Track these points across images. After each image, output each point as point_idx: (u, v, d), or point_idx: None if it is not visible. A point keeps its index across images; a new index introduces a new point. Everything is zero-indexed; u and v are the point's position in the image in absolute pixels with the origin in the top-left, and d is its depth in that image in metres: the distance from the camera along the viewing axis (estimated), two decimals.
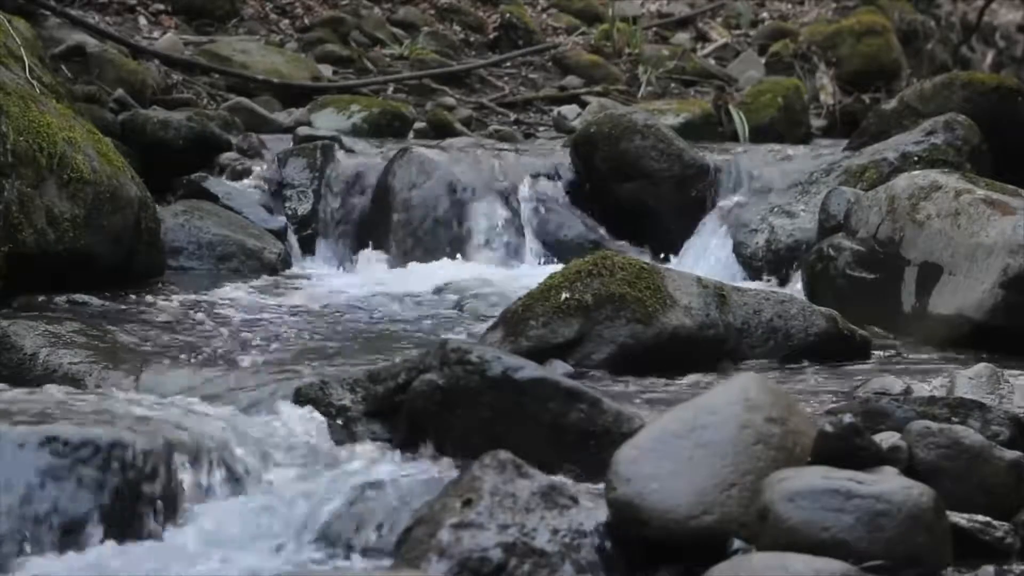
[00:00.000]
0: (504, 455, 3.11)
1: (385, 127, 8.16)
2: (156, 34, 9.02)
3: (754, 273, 6.36)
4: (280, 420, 3.70)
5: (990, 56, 12.04)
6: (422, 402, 3.54)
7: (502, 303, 5.02)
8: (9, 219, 5.31)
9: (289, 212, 6.89)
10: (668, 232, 6.80)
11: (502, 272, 6.46)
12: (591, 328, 4.48)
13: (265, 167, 7.03)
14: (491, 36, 10.23)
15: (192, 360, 4.53)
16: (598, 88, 9.48)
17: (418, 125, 8.38)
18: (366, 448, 3.55)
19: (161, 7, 9.42)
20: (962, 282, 5.11)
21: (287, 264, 6.50)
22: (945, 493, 3.01)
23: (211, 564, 3.08)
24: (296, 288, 5.96)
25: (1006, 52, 12.35)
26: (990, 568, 3.00)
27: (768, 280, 6.22)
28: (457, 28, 10.25)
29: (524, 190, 6.93)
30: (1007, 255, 5.02)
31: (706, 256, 6.61)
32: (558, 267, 5.00)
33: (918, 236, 5.28)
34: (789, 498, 2.87)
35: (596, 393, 3.52)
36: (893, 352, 4.97)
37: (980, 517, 3.10)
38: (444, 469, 3.42)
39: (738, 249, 6.48)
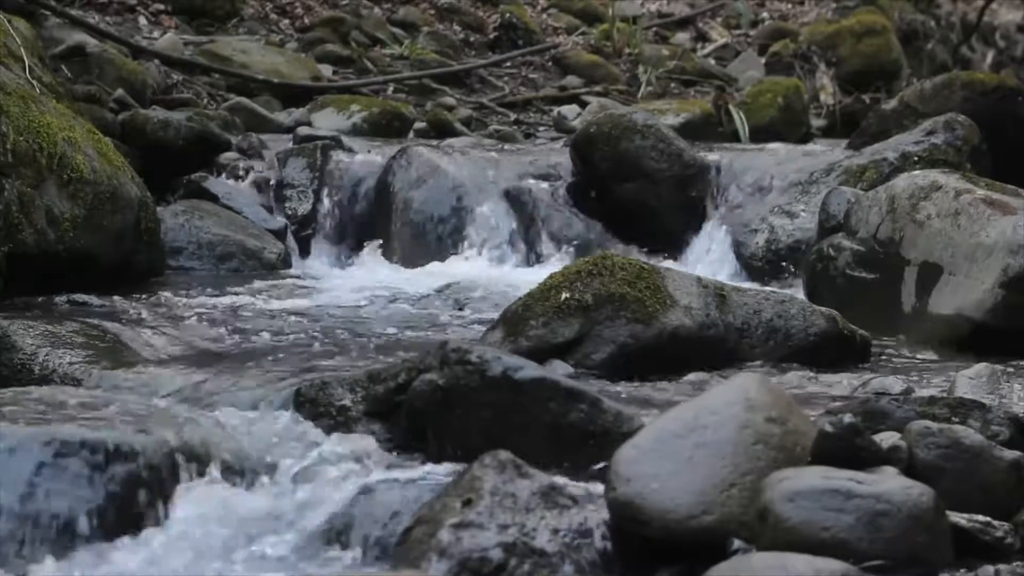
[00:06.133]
0: (504, 455, 3.11)
1: (385, 127, 8.15)
2: (156, 34, 9.02)
3: (754, 273, 6.36)
4: (280, 420, 3.70)
5: (990, 56, 12.04)
6: (422, 402, 3.54)
7: (502, 303, 5.01)
8: (9, 219, 5.31)
9: (289, 212, 6.88)
10: (668, 232, 6.80)
11: (502, 272, 6.46)
12: (591, 328, 4.48)
13: (265, 167, 7.03)
14: (491, 36, 10.23)
15: (192, 360, 4.53)
16: (598, 88, 9.48)
17: (418, 125, 8.37)
18: (366, 448, 3.55)
19: (161, 7, 9.42)
20: (962, 282, 5.11)
21: (287, 264, 6.50)
22: (945, 493, 3.01)
23: (210, 565, 3.08)
24: (296, 288, 5.96)
25: (1006, 52, 12.35)
26: (990, 568, 3.00)
27: (768, 280, 6.22)
28: (457, 28, 10.25)
29: (524, 190, 6.92)
30: (1007, 255, 5.01)
31: (706, 256, 6.61)
32: (558, 267, 5.00)
33: (918, 236, 5.28)
34: (789, 498, 2.88)
35: (596, 393, 3.52)
36: (893, 352, 4.97)
37: (980, 517, 3.10)
38: (444, 469, 3.41)
39: (738, 249, 6.49)
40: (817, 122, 9.29)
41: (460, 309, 5.55)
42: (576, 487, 3.17)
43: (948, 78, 7.23)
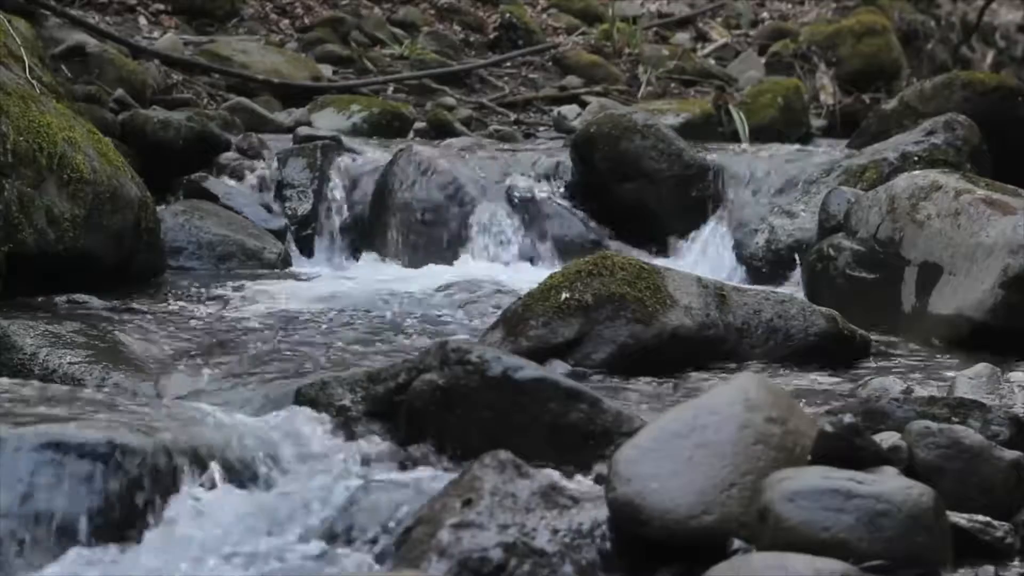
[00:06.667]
0: (504, 455, 3.11)
1: (385, 127, 8.15)
2: (156, 34, 9.02)
3: (754, 273, 6.36)
4: (280, 420, 3.69)
5: (990, 56, 12.04)
6: (422, 402, 3.53)
7: (502, 303, 5.02)
8: (9, 219, 5.31)
9: (289, 212, 6.89)
10: (668, 232, 6.80)
11: (502, 272, 6.46)
12: (591, 328, 4.48)
13: (265, 167, 7.03)
14: (491, 36, 10.24)
15: (192, 360, 4.53)
16: (598, 88, 9.48)
17: (418, 125, 8.38)
18: (366, 448, 3.55)
19: (161, 7, 9.43)
20: (962, 282, 5.11)
21: (287, 264, 6.51)
22: (945, 493, 3.01)
23: (211, 564, 3.08)
24: (296, 288, 5.96)
25: (1006, 52, 12.35)
26: (990, 568, 3.00)
27: (768, 280, 6.22)
28: (457, 28, 10.25)
29: (524, 190, 6.93)
30: (1007, 255, 5.01)
31: (706, 256, 6.61)
32: (558, 267, 5.01)
33: (918, 236, 5.28)
34: (789, 498, 2.88)
35: (596, 393, 3.52)
36: (893, 352, 4.97)
37: (980, 517, 3.10)
38: (444, 469, 3.42)
39: (738, 249, 6.48)
40: (817, 122, 9.29)
41: (460, 309, 5.55)
42: (576, 487, 3.17)
43: (948, 78, 7.23)
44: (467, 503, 3.00)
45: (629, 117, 7.08)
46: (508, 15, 10.28)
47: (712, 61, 10.44)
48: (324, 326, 5.15)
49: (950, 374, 4.31)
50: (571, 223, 6.86)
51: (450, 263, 6.64)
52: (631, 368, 4.45)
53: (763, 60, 10.32)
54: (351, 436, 3.61)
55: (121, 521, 3.17)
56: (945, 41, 11.43)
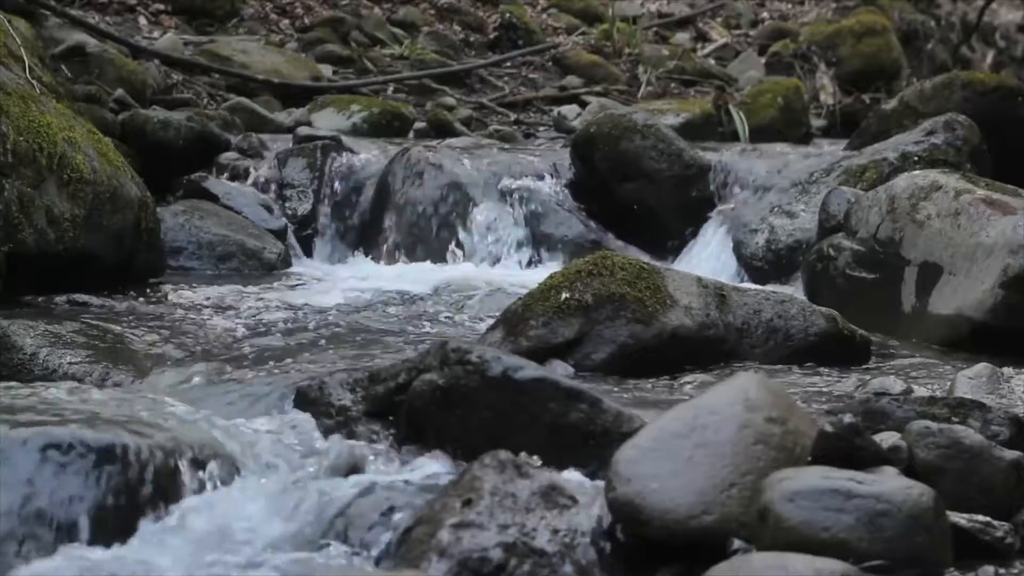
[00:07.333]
0: (504, 455, 3.11)
1: (385, 127, 8.16)
2: (156, 34, 9.02)
3: (754, 273, 6.36)
4: (280, 420, 3.70)
5: (990, 56, 12.04)
6: (422, 402, 3.53)
7: (502, 303, 5.02)
8: (9, 219, 5.31)
9: (289, 212, 6.89)
10: (668, 232, 6.80)
11: (502, 272, 6.46)
12: (591, 328, 4.48)
13: (265, 167, 7.03)
14: (491, 36, 10.24)
15: (192, 360, 4.53)
16: (598, 88, 9.48)
17: (418, 125, 8.38)
18: (366, 448, 3.55)
19: (161, 7, 9.43)
20: (962, 282, 5.11)
21: (287, 264, 6.50)
22: (945, 493, 3.01)
23: (210, 564, 3.08)
24: (296, 288, 5.97)
25: (1006, 52, 12.35)
26: (990, 568, 3.00)
27: (768, 280, 6.22)
28: (457, 28, 10.26)
29: (524, 190, 6.93)
30: (1007, 255, 5.02)
31: (706, 256, 6.61)
32: (558, 267, 5.01)
33: (918, 236, 5.28)
34: (789, 498, 2.88)
35: (596, 393, 3.52)
36: (893, 352, 4.97)
37: (980, 517, 3.10)
38: (444, 469, 3.42)
39: (738, 249, 6.48)
40: (817, 122, 9.29)
41: (460, 309, 5.55)
42: (576, 487, 3.17)
43: (948, 78, 7.23)
44: (467, 503, 3.00)
45: (629, 117, 7.08)
46: (508, 15, 10.28)
47: (712, 61, 10.44)
48: (324, 326, 5.15)
49: (950, 374, 4.31)
50: (571, 223, 6.86)
51: (450, 263, 6.64)
52: (631, 368, 4.45)
53: (763, 60, 10.33)
54: (351, 436, 3.61)
55: (121, 521, 3.17)
56: (945, 41, 11.43)
